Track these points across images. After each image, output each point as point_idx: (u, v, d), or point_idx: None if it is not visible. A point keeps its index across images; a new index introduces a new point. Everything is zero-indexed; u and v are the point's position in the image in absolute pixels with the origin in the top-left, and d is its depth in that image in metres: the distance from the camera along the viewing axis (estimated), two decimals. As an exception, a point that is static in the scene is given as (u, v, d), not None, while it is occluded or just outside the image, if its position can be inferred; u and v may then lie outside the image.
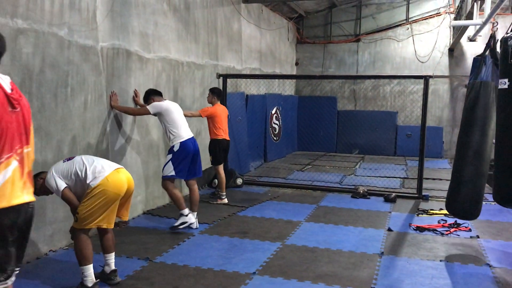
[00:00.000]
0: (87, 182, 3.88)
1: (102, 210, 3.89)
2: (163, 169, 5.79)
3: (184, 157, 5.74)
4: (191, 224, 5.77)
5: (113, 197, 3.91)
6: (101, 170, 3.94)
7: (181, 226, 5.72)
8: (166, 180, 5.76)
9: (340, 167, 11.08)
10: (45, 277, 4.28)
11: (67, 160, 4.05)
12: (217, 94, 7.33)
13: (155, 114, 5.75)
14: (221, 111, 7.30)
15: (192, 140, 5.84)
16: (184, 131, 5.79)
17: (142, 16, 6.30)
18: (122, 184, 3.99)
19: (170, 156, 5.74)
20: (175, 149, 5.71)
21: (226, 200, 7.28)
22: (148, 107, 5.70)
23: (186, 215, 5.75)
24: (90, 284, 3.92)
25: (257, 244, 5.33)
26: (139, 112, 5.87)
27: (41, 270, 4.42)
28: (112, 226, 4.05)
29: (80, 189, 3.95)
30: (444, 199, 7.65)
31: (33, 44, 4.52)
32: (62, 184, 3.90)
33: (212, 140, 7.31)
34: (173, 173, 5.71)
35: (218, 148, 7.29)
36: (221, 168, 7.39)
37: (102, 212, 3.89)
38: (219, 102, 7.34)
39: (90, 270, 3.93)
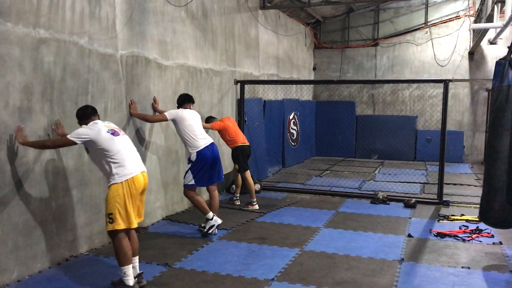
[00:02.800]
0: (112, 169, 4.02)
1: (130, 208, 4.02)
2: (184, 178, 5.89)
3: (202, 165, 5.81)
4: (218, 224, 5.83)
5: (134, 195, 4.07)
6: (130, 168, 4.07)
7: (210, 231, 5.78)
8: (186, 189, 5.87)
9: (359, 173, 11.00)
10: (67, 282, 4.33)
11: (112, 134, 4.10)
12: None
13: (172, 120, 5.87)
14: (229, 121, 7.38)
15: (209, 148, 5.88)
16: (200, 139, 5.85)
17: (160, 24, 6.38)
18: (140, 185, 4.15)
19: (189, 165, 5.85)
20: (192, 158, 5.81)
21: (257, 206, 7.30)
22: (165, 113, 5.83)
23: (211, 219, 5.80)
24: (131, 283, 4.06)
25: (276, 250, 5.32)
26: (157, 118, 5.96)
27: (62, 275, 4.48)
28: (136, 225, 4.14)
29: (98, 157, 4.08)
30: (466, 205, 7.62)
31: (55, 53, 4.61)
32: (78, 138, 4.00)
33: (233, 149, 7.34)
34: (192, 182, 5.82)
35: (241, 155, 7.32)
36: (248, 175, 7.41)
37: (131, 211, 4.03)
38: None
39: (130, 269, 4.07)
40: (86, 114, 4.24)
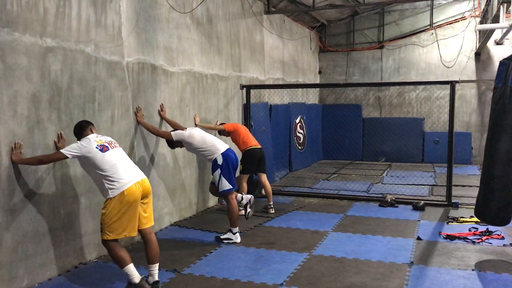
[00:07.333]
0: (104, 184, 4.07)
1: (123, 220, 4.05)
2: (218, 186, 5.78)
3: (229, 167, 5.77)
4: (235, 242, 5.76)
5: (131, 206, 4.07)
6: (123, 180, 4.07)
7: (225, 241, 5.75)
8: (226, 195, 5.80)
9: (366, 176, 10.96)
10: (76, 289, 4.35)
11: (101, 150, 4.11)
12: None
13: (177, 141, 5.86)
14: (240, 126, 7.44)
15: (231, 151, 5.90)
16: (219, 144, 5.87)
17: (166, 30, 6.41)
18: (135, 194, 4.11)
19: (218, 171, 5.75)
20: (220, 162, 5.74)
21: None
22: (172, 133, 5.84)
23: (234, 234, 5.77)
24: (137, 281, 4.07)
25: (284, 255, 5.30)
26: (162, 134, 5.94)
27: (72, 283, 4.50)
28: (136, 233, 4.18)
29: (91, 172, 4.17)
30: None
31: (61, 62, 4.64)
32: (69, 152, 4.06)
33: (245, 151, 7.29)
34: (230, 186, 5.77)
35: (250, 158, 7.27)
36: (245, 178, 7.36)
37: (123, 222, 4.05)
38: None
39: (131, 268, 4.09)
40: (79, 130, 4.33)
